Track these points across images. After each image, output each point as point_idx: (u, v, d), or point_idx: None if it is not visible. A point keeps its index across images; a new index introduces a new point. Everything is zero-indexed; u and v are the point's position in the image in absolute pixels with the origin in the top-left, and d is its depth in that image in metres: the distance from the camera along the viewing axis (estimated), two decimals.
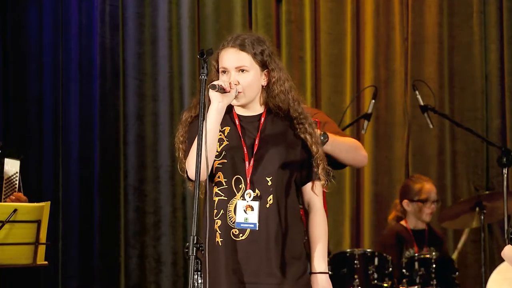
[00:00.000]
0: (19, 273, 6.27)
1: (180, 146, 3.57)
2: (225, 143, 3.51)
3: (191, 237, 3.25)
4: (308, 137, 3.54)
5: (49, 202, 4.29)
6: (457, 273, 5.84)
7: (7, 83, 6.84)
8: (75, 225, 6.84)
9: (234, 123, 3.55)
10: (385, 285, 5.72)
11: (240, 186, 3.49)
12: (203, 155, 3.31)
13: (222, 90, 3.41)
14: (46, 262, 4.34)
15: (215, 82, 3.42)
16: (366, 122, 6.04)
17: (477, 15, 6.86)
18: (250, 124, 3.55)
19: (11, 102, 6.84)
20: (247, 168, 3.49)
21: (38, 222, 4.23)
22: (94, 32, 6.92)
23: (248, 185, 3.48)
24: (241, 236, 3.47)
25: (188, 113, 3.60)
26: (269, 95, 3.56)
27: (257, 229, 3.45)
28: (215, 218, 3.47)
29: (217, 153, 3.47)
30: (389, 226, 6.35)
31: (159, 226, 6.87)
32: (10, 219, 4.14)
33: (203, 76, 3.43)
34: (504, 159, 5.54)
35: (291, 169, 3.52)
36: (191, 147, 3.46)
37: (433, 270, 5.76)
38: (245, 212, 3.47)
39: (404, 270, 5.79)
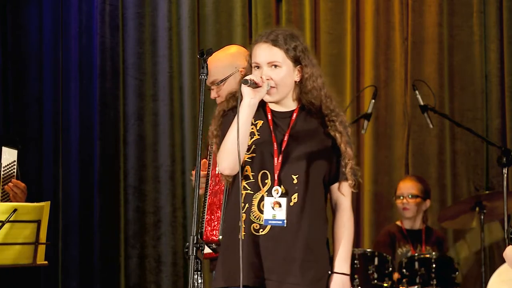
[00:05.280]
0: (19, 273, 6.27)
1: (214, 140, 3.56)
2: (256, 137, 3.51)
3: (191, 237, 3.25)
4: (337, 135, 3.52)
5: (49, 202, 4.29)
6: (457, 273, 5.85)
7: (7, 83, 6.84)
8: (75, 225, 6.84)
9: (267, 118, 3.54)
10: (385, 285, 5.72)
11: (266, 181, 3.47)
12: (234, 150, 3.33)
13: (254, 85, 3.40)
14: (46, 262, 4.33)
15: (247, 77, 3.41)
16: (366, 122, 6.05)
17: (477, 15, 6.86)
18: (282, 120, 3.54)
19: (11, 102, 6.84)
20: (275, 164, 3.47)
21: (38, 222, 4.23)
22: (94, 32, 6.92)
23: (276, 182, 3.46)
24: (261, 232, 3.45)
25: (221, 106, 3.60)
26: (302, 91, 3.55)
27: (285, 225, 3.43)
28: (241, 212, 3.45)
29: (247, 147, 3.46)
30: (385, 226, 6.42)
31: (159, 226, 6.87)
32: (10, 219, 4.14)
33: (203, 76, 3.43)
34: (504, 159, 5.53)
35: (319, 168, 3.49)
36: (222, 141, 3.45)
37: (433, 270, 5.76)
38: (273, 209, 3.45)
39: (404, 270, 5.80)
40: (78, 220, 6.85)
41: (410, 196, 6.21)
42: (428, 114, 5.91)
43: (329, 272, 3.52)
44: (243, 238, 3.42)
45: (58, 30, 6.92)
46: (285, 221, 3.43)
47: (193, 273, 3.25)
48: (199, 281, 3.29)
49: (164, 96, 6.93)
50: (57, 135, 6.87)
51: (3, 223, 4.13)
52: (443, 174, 6.83)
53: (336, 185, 3.54)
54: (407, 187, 6.24)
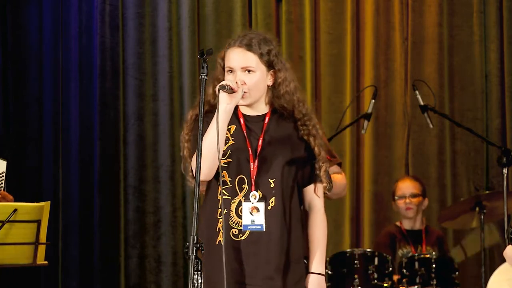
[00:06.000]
0: (19, 273, 6.27)
1: (186, 144, 3.55)
2: (231, 142, 3.51)
3: (191, 237, 3.25)
4: (311, 139, 3.54)
5: (49, 202, 4.29)
6: (457, 273, 5.85)
7: (7, 83, 6.84)
8: (75, 225, 6.84)
9: (239, 122, 3.54)
10: (385, 285, 5.72)
11: (243, 186, 3.48)
12: (208, 155, 3.31)
13: (231, 90, 3.40)
14: (46, 262, 4.34)
15: (223, 83, 3.41)
16: (366, 122, 6.05)
17: (477, 15, 6.86)
18: (254, 124, 3.55)
19: (11, 102, 6.84)
20: (251, 169, 3.48)
21: (38, 222, 4.23)
22: (94, 32, 6.92)
23: (253, 186, 3.47)
24: (241, 237, 3.47)
25: (193, 111, 3.59)
26: (275, 95, 3.55)
27: (264, 230, 3.45)
28: (219, 218, 3.47)
29: (223, 152, 3.46)
30: (386, 227, 6.42)
31: (159, 226, 6.87)
32: (10, 219, 4.14)
33: (203, 76, 3.43)
34: (504, 159, 5.54)
35: (294, 171, 3.52)
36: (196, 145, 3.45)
37: (433, 270, 5.77)
38: (251, 214, 3.46)
39: (404, 270, 5.80)
40: (78, 220, 6.85)
41: (412, 196, 6.21)
42: (428, 114, 5.92)
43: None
44: (222, 244, 3.41)
45: (58, 30, 6.92)
46: (264, 225, 3.45)
47: (193, 273, 3.25)
48: (199, 281, 3.29)
49: (164, 96, 6.93)
50: (57, 135, 6.87)
51: (3, 223, 4.13)
52: (443, 174, 6.83)
53: (310, 187, 3.57)
54: (408, 187, 6.25)
